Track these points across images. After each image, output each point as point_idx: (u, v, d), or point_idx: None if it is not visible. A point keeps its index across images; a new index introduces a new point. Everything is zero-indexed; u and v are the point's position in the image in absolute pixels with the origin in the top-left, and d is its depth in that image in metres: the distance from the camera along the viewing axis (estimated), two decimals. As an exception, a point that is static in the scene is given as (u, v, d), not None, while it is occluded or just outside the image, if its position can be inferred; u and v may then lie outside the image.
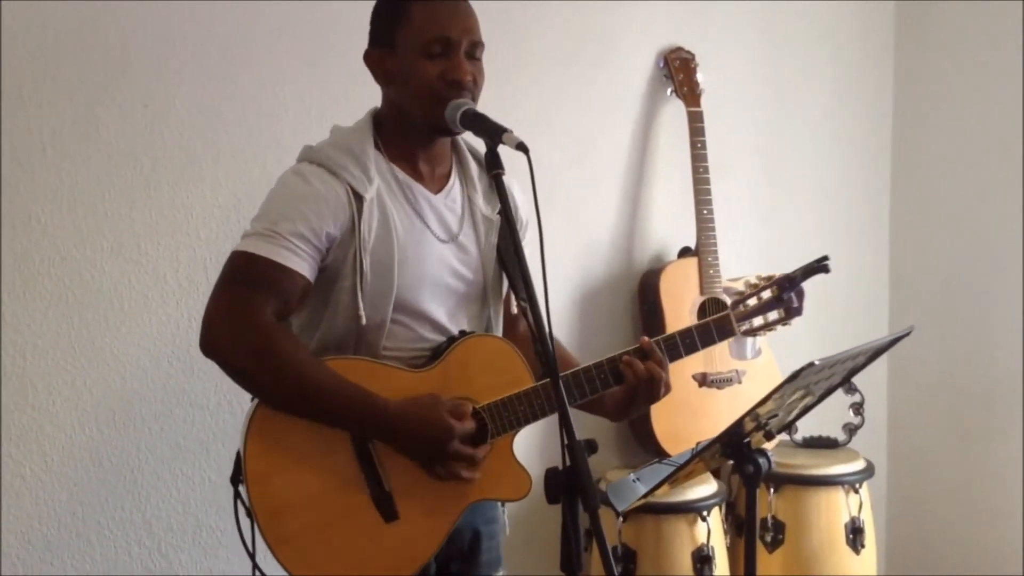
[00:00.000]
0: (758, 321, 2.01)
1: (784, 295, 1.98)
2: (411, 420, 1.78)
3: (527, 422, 1.87)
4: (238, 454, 1.83)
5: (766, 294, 1.99)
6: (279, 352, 1.76)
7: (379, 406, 1.78)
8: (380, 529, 1.79)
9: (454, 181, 1.96)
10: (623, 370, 1.91)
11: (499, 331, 2.01)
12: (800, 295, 1.99)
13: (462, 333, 1.91)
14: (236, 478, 1.84)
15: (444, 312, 1.90)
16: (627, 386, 1.92)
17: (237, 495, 1.84)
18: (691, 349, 1.97)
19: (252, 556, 1.82)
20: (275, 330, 1.77)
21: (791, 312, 2.01)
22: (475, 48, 1.86)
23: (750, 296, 2.00)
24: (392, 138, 1.91)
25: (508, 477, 1.88)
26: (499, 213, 1.97)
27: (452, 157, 1.98)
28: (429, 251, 1.88)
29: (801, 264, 1.99)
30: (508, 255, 1.97)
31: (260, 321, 1.75)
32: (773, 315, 2.01)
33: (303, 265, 1.78)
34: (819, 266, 1.95)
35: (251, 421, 1.78)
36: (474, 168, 1.99)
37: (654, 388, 1.91)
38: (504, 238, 1.97)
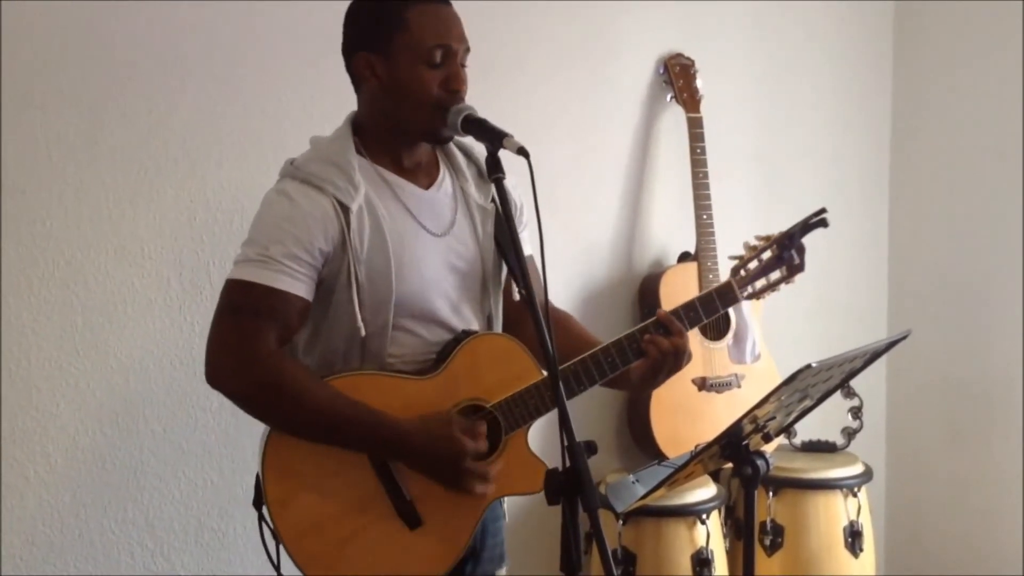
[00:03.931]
0: (760, 283, 1.98)
1: (784, 253, 1.96)
2: (423, 441, 1.78)
3: (539, 414, 1.87)
4: (257, 478, 1.83)
5: (766, 255, 1.97)
6: (285, 383, 1.76)
7: (392, 428, 1.78)
8: (406, 536, 1.80)
9: (444, 174, 1.96)
10: (646, 348, 1.90)
11: (499, 321, 2.01)
12: (801, 251, 1.97)
13: (465, 333, 1.90)
14: (259, 502, 1.84)
15: (448, 307, 1.89)
16: (651, 361, 1.90)
17: (261, 518, 1.84)
18: (695, 322, 1.95)
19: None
20: (279, 360, 1.77)
21: (793, 269, 1.97)
22: (466, 55, 1.88)
23: (750, 259, 1.97)
24: (375, 140, 1.90)
25: (525, 470, 1.88)
26: (492, 201, 1.96)
27: (437, 151, 1.97)
28: (425, 249, 1.87)
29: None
30: (507, 247, 1.96)
31: (263, 352, 1.75)
32: (775, 275, 1.98)
33: (300, 287, 1.77)
34: (817, 220, 1.92)
35: (266, 445, 1.79)
36: (461, 158, 1.99)
37: (678, 359, 1.91)
38: (502, 232, 1.97)
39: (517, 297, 2.02)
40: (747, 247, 1.99)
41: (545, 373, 1.87)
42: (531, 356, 1.90)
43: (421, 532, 1.80)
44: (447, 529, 1.82)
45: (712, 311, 1.96)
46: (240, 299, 1.77)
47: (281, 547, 1.79)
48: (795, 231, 1.95)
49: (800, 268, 1.97)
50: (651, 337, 1.90)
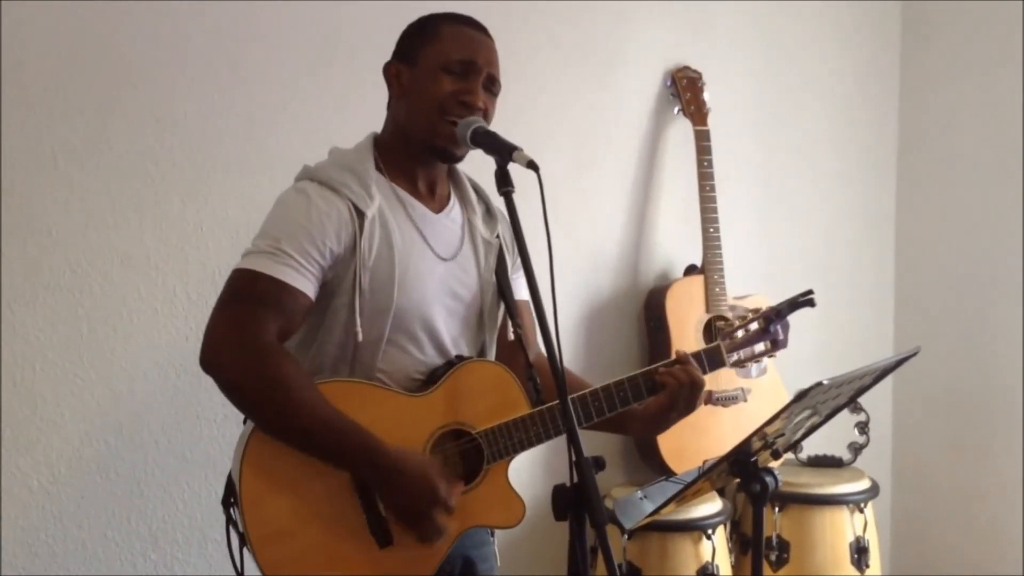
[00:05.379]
0: (745, 353, 2.03)
1: (771, 327, 2.01)
2: (402, 473, 1.75)
3: (523, 448, 1.87)
4: (229, 477, 1.81)
5: (753, 326, 2.02)
6: (281, 378, 1.72)
7: (377, 453, 1.74)
8: (375, 554, 1.77)
9: (454, 202, 1.97)
10: (663, 379, 1.91)
11: (493, 358, 2.00)
12: (785, 328, 2.03)
13: (459, 358, 1.90)
14: (228, 501, 1.81)
15: (444, 329, 1.89)
16: (668, 393, 1.92)
17: (229, 519, 1.81)
18: None
19: None
20: (279, 354, 1.74)
21: (776, 344, 2.04)
22: (493, 83, 1.89)
23: (739, 328, 2.02)
24: (393, 158, 1.91)
25: (501, 504, 1.87)
26: (496, 237, 1.99)
27: (448, 181, 1.99)
28: (429, 268, 1.87)
29: (800, 288, 2.01)
30: (506, 281, 1.98)
31: (263, 342, 1.72)
32: (760, 347, 2.04)
33: (306, 284, 1.77)
34: (804, 300, 1.98)
35: (247, 444, 1.76)
36: (471, 192, 2.01)
37: (695, 393, 1.93)
38: (503, 270, 1.98)
39: (512, 337, 2.01)
40: (737, 317, 2.05)
41: (534, 408, 1.87)
42: (522, 389, 1.90)
43: (390, 551, 1.77)
44: (416, 553, 1.79)
45: (700, 371, 1.99)
46: (245, 288, 1.75)
47: (243, 550, 1.77)
48: (782, 307, 2.00)
49: (783, 344, 2.04)
50: (668, 369, 1.93)
